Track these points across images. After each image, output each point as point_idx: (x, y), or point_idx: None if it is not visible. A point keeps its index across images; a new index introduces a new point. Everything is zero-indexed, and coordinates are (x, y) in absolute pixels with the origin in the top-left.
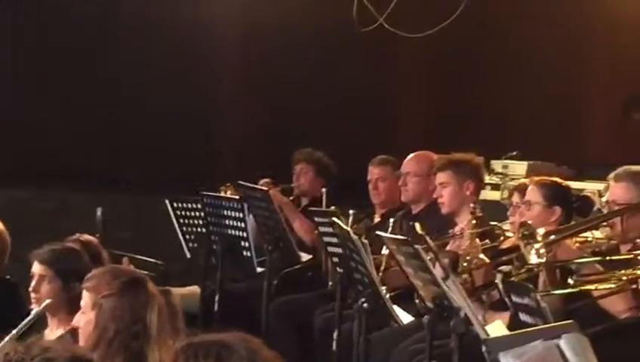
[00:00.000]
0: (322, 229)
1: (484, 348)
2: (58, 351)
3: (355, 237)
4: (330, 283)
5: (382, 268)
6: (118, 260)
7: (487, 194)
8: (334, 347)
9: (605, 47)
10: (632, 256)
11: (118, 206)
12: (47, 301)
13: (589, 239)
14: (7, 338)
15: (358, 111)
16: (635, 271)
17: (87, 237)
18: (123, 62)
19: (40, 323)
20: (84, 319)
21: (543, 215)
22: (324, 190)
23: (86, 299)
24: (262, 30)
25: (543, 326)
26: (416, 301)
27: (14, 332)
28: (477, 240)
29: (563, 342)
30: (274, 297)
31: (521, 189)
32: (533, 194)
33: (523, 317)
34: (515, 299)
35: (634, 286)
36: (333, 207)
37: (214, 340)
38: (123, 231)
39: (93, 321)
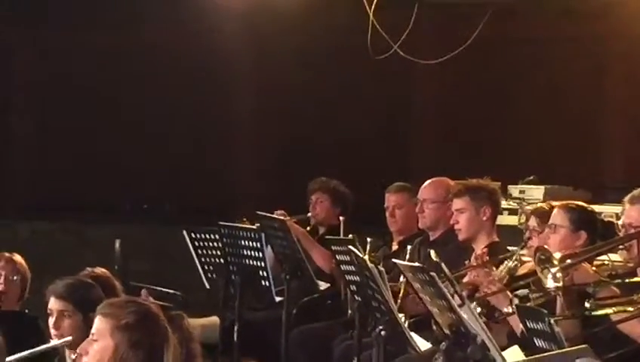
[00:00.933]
0: (339, 258)
1: None
2: None
3: (371, 265)
4: (350, 311)
5: (400, 295)
6: (136, 292)
7: (505, 219)
8: None
9: (621, 69)
10: None
11: (137, 238)
12: (69, 337)
13: (606, 263)
14: (16, 356)
15: (374, 138)
16: None
17: (99, 269)
18: (143, 94)
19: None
20: (97, 346)
21: (568, 239)
22: (342, 218)
23: (102, 325)
24: (277, 59)
25: (558, 351)
26: (434, 327)
27: (26, 353)
28: (493, 268)
29: None
30: (293, 326)
31: (539, 213)
32: (559, 217)
33: (538, 342)
34: (529, 324)
35: None
36: (350, 236)
37: None
38: (142, 263)
39: (111, 349)
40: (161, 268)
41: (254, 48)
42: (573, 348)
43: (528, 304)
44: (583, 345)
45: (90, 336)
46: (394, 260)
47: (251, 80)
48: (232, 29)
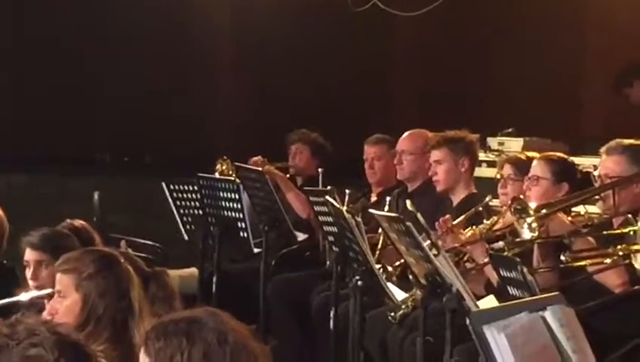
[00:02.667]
0: (317, 209)
1: (467, 321)
2: (44, 333)
3: (347, 215)
4: (328, 262)
5: (379, 246)
6: (116, 244)
7: (484, 172)
8: (332, 326)
9: (598, 21)
10: (626, 231)
11: (116, 190)
12: (50, 290)
13: (582, 213)
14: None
15: (353, 90)
16: (628, 247)
17: (78, 221)
18: (122, 47)
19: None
20: (65, 302)
21: (550, 191)
22: (320, 170)
23: (65, 281)
24: (254, 10)
25: (528, 299)
26: (410, 278)
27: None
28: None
29: (548, 314)
30: (271, 277)
31: (514, 161)
32: (540, 169)
33: (512, 290)
34: (503, 272)
35: (627, 260)
36: (329, 187)
37: (183, 316)
38: (121, 215)
39: (79, 302)
40: (141, 220)
41: (231, 0)
42: (545, 295)
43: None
44: (555, 293)
45: (57, 295)
46: (371, 210)
47: (229, 32)
48: None
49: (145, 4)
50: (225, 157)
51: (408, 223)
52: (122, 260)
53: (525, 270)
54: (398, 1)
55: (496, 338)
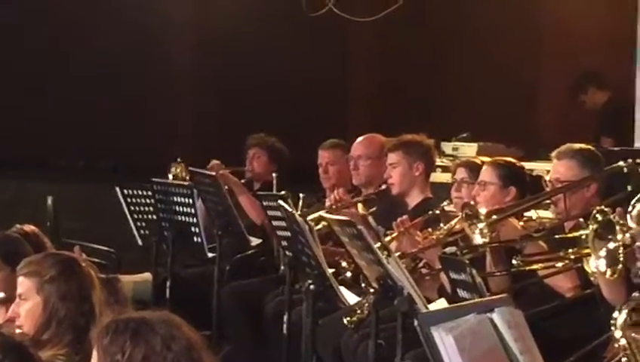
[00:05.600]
0: (271, 213)
1: (415, 322)
2: None
3: (300, 219)
4: (282, 267)
5: None
6: (69, 249)
7: (438, 177)
8: (285, 331)
9: (555, 27)
10: (578, 234)
11: (69, 195)
12: (1, 294)
13: (533, 218)
14: None
15: (308, 95)
16: (580, 251)
17: (28, 226)
18: (81, 47)
19: None
20: (26, 306)
21: (498, 195)
22: (274, 175)
23: (27, 284)
24: (212, 16)
25: (476, 300)
26: (362, 284)
27: None
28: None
29: (496, 316)
30: (225, 283)
31: (467, 165)
32: (488, 174)
33: (461, 293)
34: (453, 275)
35: (578, 264)
36: (283, 192)
37: (135, 317)
38: (75, 221)
39: (41, 305)
40: (94, 225)
41: (191, 4)
42: (492, 297)
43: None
44: (503, 294)
45: (18, 298)
46: (322, 213)
47: (188, 35)
48: None
49: (103, 6)
50: (179, 160)
51: (360, 226)
52: (84, 264)
53: (474, 272)
54: (353, 7)
55: (443, 339)
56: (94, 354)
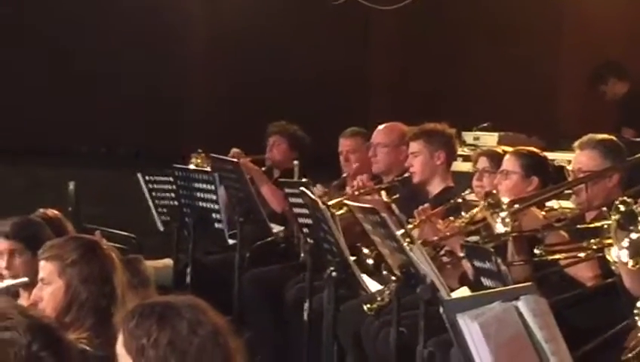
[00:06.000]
0: (292, 200)
1: (441, 309)
2: (17, 317)
3: (322, 206)
4: (302, 254)
5: None
6: (90, 234)
7: (459, 166)
8: (305, 318)
9: (575, 18)
10: (600, 224)
11: (90, 180)
12: (25, 279)
13: (555, 208)
14: None
15: (330, 84)
16: (602, 241)
17: (51, 211)
18: (95, 37)
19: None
20: (49, 289)
21: (520, 185)
22: (296, 162)
23: (49, 268)
24: (232, 3)
25: (501, 288)
26: (383, 271)
27: None
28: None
29: (521, 304)
30: (246, 269)
31: (489, 154)
32: (510, 163)
33: (485, 281)
34: (477, 263)
35: (600, 254)
36: (305, 179)
37: (161, 301)
38: (96, 206)
39: (63, 288)
40: (115, 211)
41: None
42: (518, 285)
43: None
44: (528, 283)
45: (40, 282)
46: (346, 201)
47: (203, 23)
48: None
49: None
50: (200, 151)
51: (383, 214)
52: (105, 247)
53: (499, 260)
54: None
55: (469, 326)
56: (120, 337)
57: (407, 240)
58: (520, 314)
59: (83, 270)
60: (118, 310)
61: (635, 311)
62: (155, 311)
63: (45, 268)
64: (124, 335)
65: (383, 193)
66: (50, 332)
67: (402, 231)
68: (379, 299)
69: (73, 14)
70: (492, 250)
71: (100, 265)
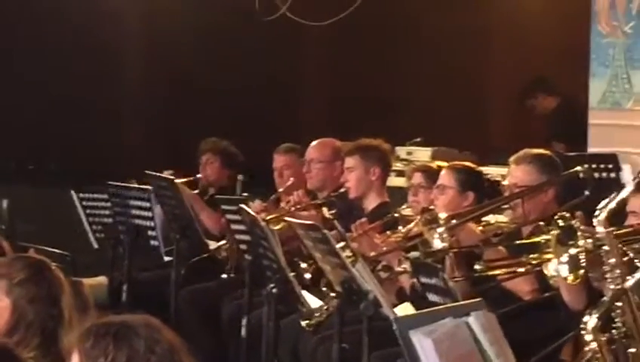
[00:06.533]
0: (229, 217)
1: (394, 326)
2: None
3: (262, 223)
4: (227, 267)
5: None
6: (24, 252)
7: (393, 181)
8: (244, 334)
9: (506, 33)
10: (537, 240)
11: (23, 198)
12: None
13: (492, 222)
14: None
15: (262, 99)
16: (541, 256)
17: None
18: (33, 51)
19: None
20: None
21: (456, 200)
22: (240, 177)
23: None
24: (164, 18)
25: (452, 304)
26: (323, 288)
27: None
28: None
29: (472, 320)
30: (182, 286)
31: (423, 170)
32: (446, 178)
33: (432, 297)
34: (423, 279)
35: (538, 268)
36: (246, 194)
37: (116, 321)
38: (29, 223)
39: (9, 307)
40: (48, 228)
41: (143, 9)
42: (467, 301)
43: None
44: (477, 299)
45: None
46: (287, 218)
47: (139, 39)
48: None
49: (54, 9)
50: (132, 180)
51: (324, 231)
52: (53, 268)
53: (446, 276)
54: (306, 11)
55: (422, 342)
56: (75, 357)
57: (350, 256)
58: (471, 330)
59: (30, 290)
60: (66, 332)
61: (582, 326)
62: (110, 331)
63: None
64: (80, 355)
65: (324, 209)
66: (10, 355)
67: (344, 246)
68: (317, 314)
69: (8, 29)
70: (440, 266)
71: (48, 286)
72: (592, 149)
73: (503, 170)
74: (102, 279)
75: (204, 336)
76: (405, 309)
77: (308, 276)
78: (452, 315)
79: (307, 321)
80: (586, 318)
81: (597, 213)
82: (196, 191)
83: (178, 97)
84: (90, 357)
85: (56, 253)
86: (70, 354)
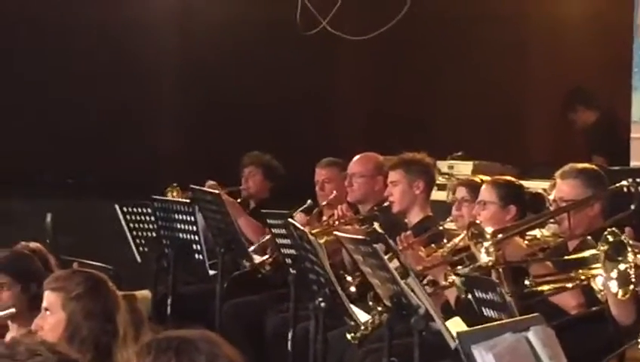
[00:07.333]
0: (275, 231)
1: (457, 341)
2: (45, 353)
3: (312, 238)
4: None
5: None
6: (67, 266)
7: (434, 195)
8: (289, 348)
9: (545, 47)
10: (584, 255)
11: (66, 211)
12: (12, 309)
13: (538, 237)
14: None
15: (302, 114)
16: (589, 271)
17: (34, 244)
18: (69, 66)
19: None
20: (51, 320)
21: (498, 215)
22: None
23: (52, 299)
24: (202, 31)
25: (511, 320)
26: (370, 302)
27: None
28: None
29: (531, 335)
30: (226, 299)
31: (467, 184)
32: (487, 193)
33: (487, 312)
34: (478, 294)
35: (585, 282)
36: (290, 210)
37: (177, 335)
38: (72, 237)
39: (64, 321)
40: (89, 241)
41: (180, 21)
42: (526, 316)
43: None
44: (535, 314)
45: (43, 311)
46: (336, 232)
47: (176, 54)
48: (158, 1)
49: (94, 23)
50: (174, 184)
51: (376, 245)
52: (110, 284)
53: (504, 291)
54: (347, 25)
55: (484, 357)
56: None
57: (401, 271)
58: (531, 345)
59: (86, 305)
60: (119, 348)
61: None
62: (171, 346)
63: (49, 297)
64: None
65: (376, 224)
66: None
67: (390, 257)
68: (362, 328)
69: (47, 42)
70: (497, 281)
71: (104, 302)
72: (634, 163)
73: (542, 184)
74: (146, 293)
75: (249, 350)
76: (455, 323)
77: (353, 289)
78: (512, 330)
79: (353, 334)
80: None
81: None
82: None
83: (216, 109)
84: None
85: (99, 266)
86: None
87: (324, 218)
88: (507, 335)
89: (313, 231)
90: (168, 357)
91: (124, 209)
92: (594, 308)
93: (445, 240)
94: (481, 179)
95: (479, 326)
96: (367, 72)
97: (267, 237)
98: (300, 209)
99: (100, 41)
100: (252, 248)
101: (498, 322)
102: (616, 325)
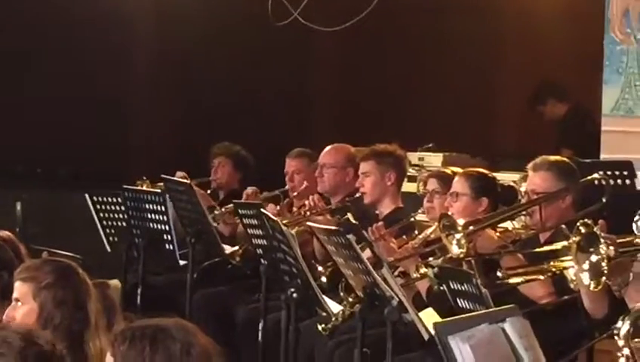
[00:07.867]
0: (246, 221)
1: (433, 332)
2: (11, 329)
3: (284, 228)
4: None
5: None
6: (37, 255)
7: (404, 186)
8: (260, 338)
9: (516, 40)
10: (556, 247)
11: (36, 201)
12: None
13: (509, 229)
14: None
15: (274, 105)
16: (561, 263)
17: (4, 232)
18: (45, 56)
19: None
20: (22, 310)
21: (470, 207)
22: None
23: (24, 289)
24: (176, 24)
25: (487, 311)
26: (341, 293)
27: None
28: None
29: (507, 326)
30: (196, 289)
31: (438, 176)
32: (460, 185)
33: (462, 303)
34: (453, 285)
35: (557, 274)
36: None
37: (151, 323)
38: (42, 226)
39: (36, 310)
40: (59, 231)
41: (154, 13)
42: (502, 307)
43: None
44: (511, 305)
45: (14, 302)
46: (309, 223)
47: (151, 44)
48: None
49: (68, 13)
50: (144, 178)
51: (349, 236)
52: (81, 272)
53: (479, 283)
54: (319, 16)
55: (460, 348)
56: (110, 360)
57: (372, 261)
58: (507, 336)
59: (57, 294)
60: (92, 336)
61: (615, 332)
62: (146, 334)
63: (20, 288)
64: (115, 358)
65: (349, 215)
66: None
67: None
68: (334, 319)
69: (23, 33)
70: (472, 272)
71: (75, 290)
72: (604, 156)
73: (511, 176)
74: (115, 282)
75: (219, 340)
76: (429, 315)
77: (324, 280)
78: (488, 321)
79: (324, 325)
80: (618, 324)
81: (637, 217)
82: (207, 193)
83: (187, 100)
84: (127, 359)
85: (67, 256)
86: (100, 356)
87: (295, 209)
88: (483, 326)
89: (284, 222)
90: (143, 346)
91: (94, 198)
92: (565, 297)
93: (416, 232)
94: (453, 171)
95: (456, 317)
96: (339, 63)
97: None
98: (264, 196)
99: (71, 32)
100: None
101: (474, 313)
102: (588, 317)
